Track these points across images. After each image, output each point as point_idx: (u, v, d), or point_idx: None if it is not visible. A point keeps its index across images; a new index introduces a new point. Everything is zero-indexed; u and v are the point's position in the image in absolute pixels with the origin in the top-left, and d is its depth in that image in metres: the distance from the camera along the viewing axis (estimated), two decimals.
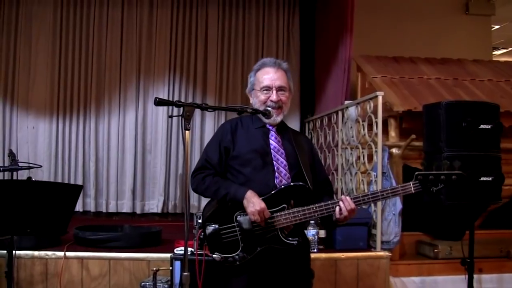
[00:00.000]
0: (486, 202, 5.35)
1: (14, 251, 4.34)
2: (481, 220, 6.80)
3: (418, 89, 7.15)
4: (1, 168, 5.12)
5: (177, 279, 4.46)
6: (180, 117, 3.03)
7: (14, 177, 5.28)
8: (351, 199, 3.29)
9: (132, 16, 8.55)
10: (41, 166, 6.28)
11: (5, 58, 8.30)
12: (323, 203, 3.32)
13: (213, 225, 3.38)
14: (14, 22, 8.35)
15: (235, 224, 3.35)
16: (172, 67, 8.61)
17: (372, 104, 5.82)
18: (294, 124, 8.40)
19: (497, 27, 11.51)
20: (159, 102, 3.04)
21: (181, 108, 3.04)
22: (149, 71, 8.56)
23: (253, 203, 3.26)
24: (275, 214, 3.32)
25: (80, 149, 8.35)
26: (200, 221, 3.54)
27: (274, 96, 3.50)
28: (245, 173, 3.46)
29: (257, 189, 3.35)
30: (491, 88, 7.51)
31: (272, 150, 3.50)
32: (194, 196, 8.16)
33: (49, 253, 5.03)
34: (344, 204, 3.27)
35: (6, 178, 5.40)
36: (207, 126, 8.59)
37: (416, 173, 3.23)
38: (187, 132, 3.01)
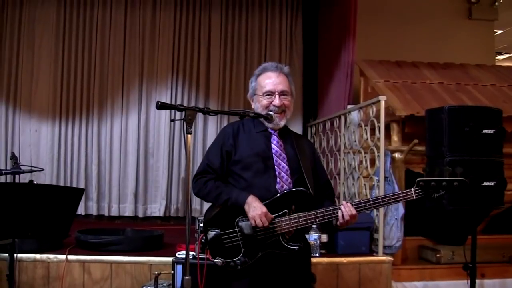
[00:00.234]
0: (488, 207, 5.34)
1: (15, 254, 4.35)
2: (483, 225, 6.80)
3: (421, 93, 7.15)
4: (3, 171, 5.12)
5: (178, 283, 4.46)
6: (182, 121, 3.03)
7: (16, 180, 5.27)
8: (352, 205, 3.29)
9: (135, 19, 8.55)
10: (43, 169, 6.27)
11: (8, 61, 8.30)
12: (324, 209, 3.32)
13: (215, 230, 3.38)
14: (17, 24, 8.35)
15: (237, 229, 3.35)
16: (175, 70, 8.61)
17: (374, 109, 5.82)
18: (296, 128, 8.39)
19: (500, 32, 11.51)
20: (161, 106, 3.04)
21: (183, 112, 3.04)
22: (151, 74, 8.55)
23: (255, 208, 3.26)
24: (276, 219, 3.31)
25: (82, 152, 8.35)
26: (202, 225, 3.54)
27: (276, 101, 3.50)
28: (246, 178, 3.46)
29: (259, 194, 3.35)
30: (493, 93, 7.51)
31: (273, 155, 3.50)
32: (196, 200, 8.15)
33: (51, 256, 5.03)
34: (345, 210, 3.27)
35: (8, 181, 5.41)
36: (210, 130, 8.58)
37: (418, 179, 3.23)
38: (189, 136, 3.01)
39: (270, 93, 3.52)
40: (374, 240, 5.67)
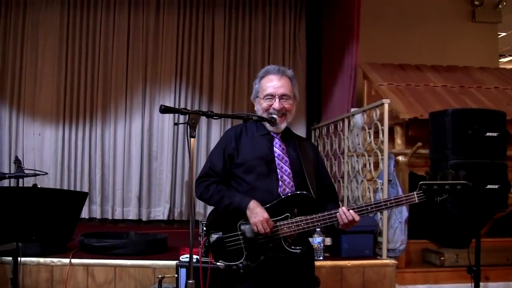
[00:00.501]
0: (492, 210, 5.31)
1: (19, 258, 4.36)
2: (487, 228, 6.78)
3: (424, 96, 7.15)
4: (7, 175, 5.12)
5: (182, 287, 4.46)
6: (186, 125, 3.03)
7: (20, 184, 5.27)
8: (353, 209, 3.28)
9: (138, 23, 8.57)
10: (47, 173, 6.28)
11: (12, 65, 8.32)
12: (326, 212, 3.31)
13: (217, 233, 3.38)
14: (21, 28, 8.37)
15: (239, 232, 3.35)
16: (179, 73, 8.62)
17: (378, 112, 5.82)
18: (300, 131, 8.38)
19: (503, 34, 11.50)
20: (164, 110, 3.04)
21: (187, 116, 3.04)
22: (155, 77, 8.56)
23: (256, 214, 3.27)
24: (278, 223, 3.32)
25: (86, 156, 8.36)
26: (205, 228, 3.54)
27: (276, 104, 3.50)
28: (248, 181, 3.46)
29: (261, 197, 3.36)
30: (497, 96, 7.51)
31: (276, 158, 3.50)
32: (199, 203, 8.14)
33: (55, 260, 5.04)
34: (343, 217, 3.27)
35: (12, 185, 5.40)
36: (213, 133, 8.58)
37: (420, 182, 3.22)
38: (192, 139, 3.00)
39: (271, 96, 3.52)
40: (378, 243, 5.67)
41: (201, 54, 8.71)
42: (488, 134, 4.75)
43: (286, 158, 3.52)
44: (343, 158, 6.81)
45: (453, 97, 7.23)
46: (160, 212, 8.37)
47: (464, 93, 7.44)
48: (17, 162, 5.34)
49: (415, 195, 3.22)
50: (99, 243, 5.36)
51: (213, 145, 8.02)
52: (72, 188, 8.17)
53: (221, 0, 8.80)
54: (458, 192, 3.18)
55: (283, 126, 3.56)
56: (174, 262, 4.61)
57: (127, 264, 5.07)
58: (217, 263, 3.34)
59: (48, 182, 8.02)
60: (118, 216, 8.31)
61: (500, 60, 12.76)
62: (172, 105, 8.07)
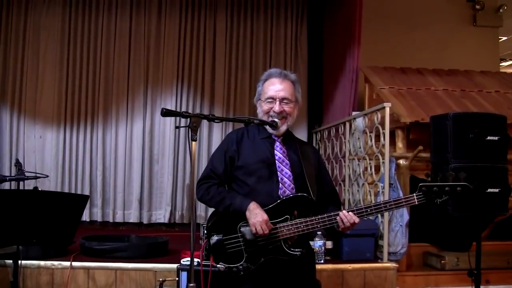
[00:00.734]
0: (493, 213, 5.31)
1: (20, 261, 4.35)
2: (488, 231, 6.79)
3: (426, 100, 7.16)
4: (8, 178, 5.13)
5: None
6: (187, 128, 3.04)
7: (21, 187, 5.28)
8: (353, 211, 3.29)
9: (140, 26, 8.56)
10: (47, 176, 6.27)
11: (13, 68, 8.31)
12: (325, 215, 3.33)
13: (218, 235, 3.39)
14: (22, 32, 8.36)
15: (239, 234, 3.36)
16: (180, 77, 8.61)
17: (379, 115, 5.82)
18: (301, 134, 8.40)
19: (504, 38, 11.51)
20: (165, 113, 3.05)
21: (188, 119, 3.05)
22: (157, 81, 8.56)
23: (256, 214, 3.28)
24: (278, 225, 3.33)
25: (87, 158, 8.34)
26: (205, 231, 3.55)
27: (276, 107, 3.52)
28: (249, 184, 3.49)
29: (261, 199, 3.38)
30: (498, 100, 7.52)
31: (277, 161, 3.52)
32: (201, 206, 8.15)
33: (55, 263, 5.04)
34: (344, 220, 3.28)
35: (12, 188, 5.40)
36: (215, 136, 8.57)
37: (420, 184, 3.22)
38: (194, 142, 3.01)
39: (272, 99, 3.55)
40: (379, 246, 5.66)
41: (202, 57, 8.70)
42: (489, 138, 4.76)
43: (286, 161, 3.54)
44: (344, 162, 6.81)
45: (454, 100, 7.24)
46: (161, 215, 8.36)
47: (465, 97, 7.45)
48: (18, 164, 5.35)
49: (415, 197, 3.23)
50: (100, 246, 5.36)
51: (214, 148, 7.97)
52: (73, 191, 8.17)
53: (222, 3, 8.80)
54: (458, 194, 3.18)
55: (282, 128, 3.57)
56: (175, 265, 4.60)
57: (128, 267, 5.06)
58: (218, 265, 3.35)
59: (49, 185, 8.01)
60: (119, 219, 8.30)
61: (501, 64, 12.78)
62: (173, 108, 8.05)
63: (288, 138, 3.68)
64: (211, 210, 3.66)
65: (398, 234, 5.67)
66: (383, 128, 5.66)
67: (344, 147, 6.82)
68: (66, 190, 8.10)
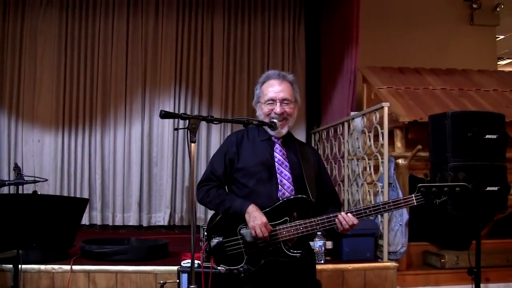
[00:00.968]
0: (492, 211, 5.34)
1: (20, 266, 4.35)
2: (487, 229, 6.79)
3: (424, 99, 7.16)
4: (7, 182, 5.12)
5: None
6: (186, 130, 3.04)
7: (20, 191, 5.27)
8: (352, 212, 3.29)
9: (137, 29, 8.56)
10: (46, 180, 6.27)
11: (11, 72, 8.29)
12: (325, 216, 3.32)
13: (218, 238, 3.39)
14: (19, 36, 8.34)
15: (239, 236, 3.36)
16: (178, 79, 8.60)
17: (378, 115, 5.82)
18: (300, 135, 8.37)
19: (501, 37, 11.52)
20: (164, 115, 3.04)
21: (187, 121, 3.05)
22: (154, 83, 8.55)
23: (255, 218, 3.29)
24: (277, 227, 3.33)
25: (86, 162, 8.33)
26: (205, 233, 3.55)
27: (277, 109, 3.52)
28: (249, 186, 3.49)
29: (260, 201, 3.38)
30: (496, 98, 7.52)
31: (276, 163, 3.52)
32: (200, 209, 8.14)
33: (56, 267, 5.03)
34: (343, 223, 3.28)
35: (11, 192, 5.40)
36: (213, 138, 8.56)
37: (419, 185, 3.21)
38: (193, 144, 3.01)
39: (272, 101, 3.54)
40: (379, 246, 5.67)
41: (200, 59, 8.70)
42: (487, 136, 4.77)
43: (286, 163, 3.54)
44: (343, 162, 6.81)
45: (452, 100, 7.25)
46: (161, 218, 8.35)
47: (463, 96, 7.45)
48: (17, 169, 5.34)
49: (414, 198, 3.22)
50: (100, 249, 5.34)
51: (213, 150, 8.06)
52: (72, 195, 8.15)
53: (220, 5, 8.80)
54: (457, 194, 3.17)
55: (284, 130, 3.58)
56: (175, 268, 4.60)
57: (129, 270, 5.06)
58: (218, 268, 3.35)
59: (48, 188, 7.99)
60: (118, 222, 8.28)
61: (498, 63, 12.79)
62: (171, 111, 8.04)
63: (288, 140, 3.67)
64: (210, 212, 3.66)
65: (398, 234, 5.67)
66: (382, 128, 5.67)
67: (343, 147, 6.82)
68: (65, 194, 8.09)
